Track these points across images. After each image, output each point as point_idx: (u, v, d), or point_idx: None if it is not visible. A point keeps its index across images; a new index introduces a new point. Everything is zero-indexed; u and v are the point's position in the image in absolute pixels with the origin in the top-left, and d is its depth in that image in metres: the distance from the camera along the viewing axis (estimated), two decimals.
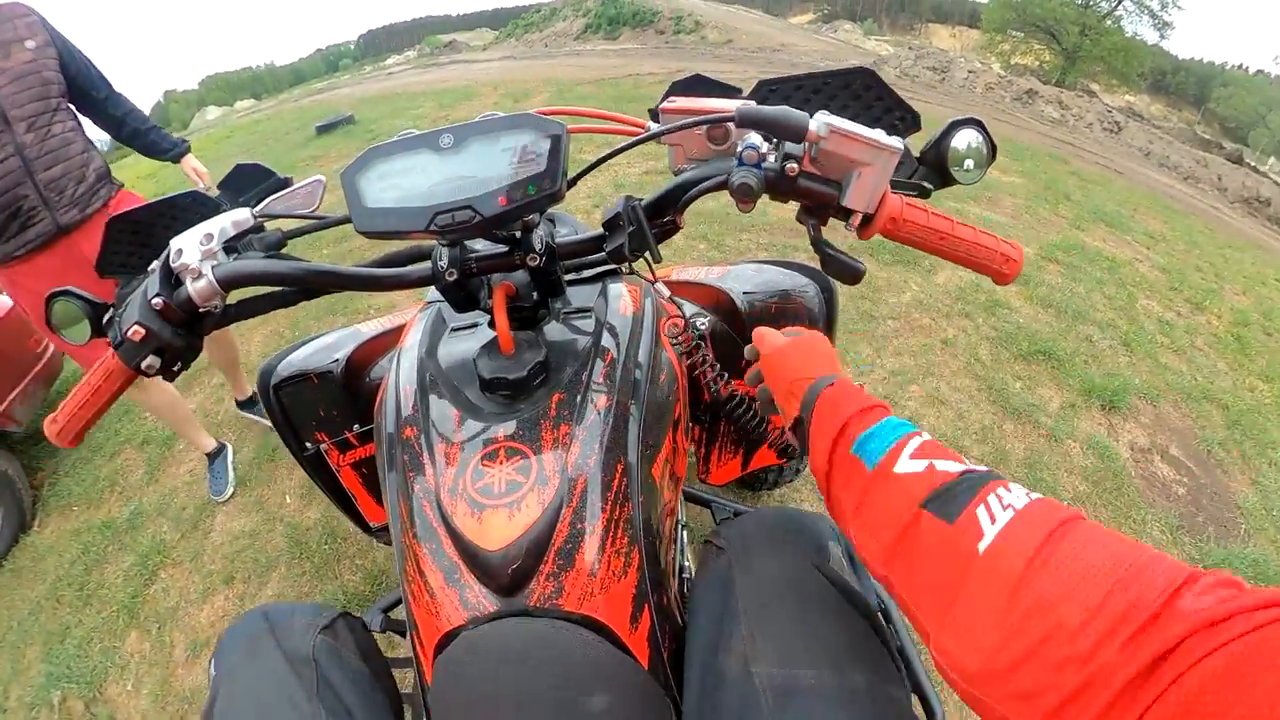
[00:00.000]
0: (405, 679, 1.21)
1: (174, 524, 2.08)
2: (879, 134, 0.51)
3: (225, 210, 0.67)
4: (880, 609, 0.61)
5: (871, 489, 0.46)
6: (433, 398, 0.68)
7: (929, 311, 2.62)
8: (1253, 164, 13.36)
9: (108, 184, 1.74)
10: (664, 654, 0.59)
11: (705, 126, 0.59)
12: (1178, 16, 24.66)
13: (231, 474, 2.16)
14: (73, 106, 1.69)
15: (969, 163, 0.55)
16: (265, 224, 0.68)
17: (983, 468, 0.43)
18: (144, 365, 0.59)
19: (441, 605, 0.55)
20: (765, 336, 0.67)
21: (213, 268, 0.60)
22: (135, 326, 0.58)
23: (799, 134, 0.51)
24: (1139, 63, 24.52)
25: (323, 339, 1.11)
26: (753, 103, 0.59)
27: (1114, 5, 24.73)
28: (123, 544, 2.07)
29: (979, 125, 0.54)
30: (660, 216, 0.62)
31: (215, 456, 2.18)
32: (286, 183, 0.72)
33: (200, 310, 0.60)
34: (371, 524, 1.20)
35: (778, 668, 0.52)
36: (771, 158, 0.54)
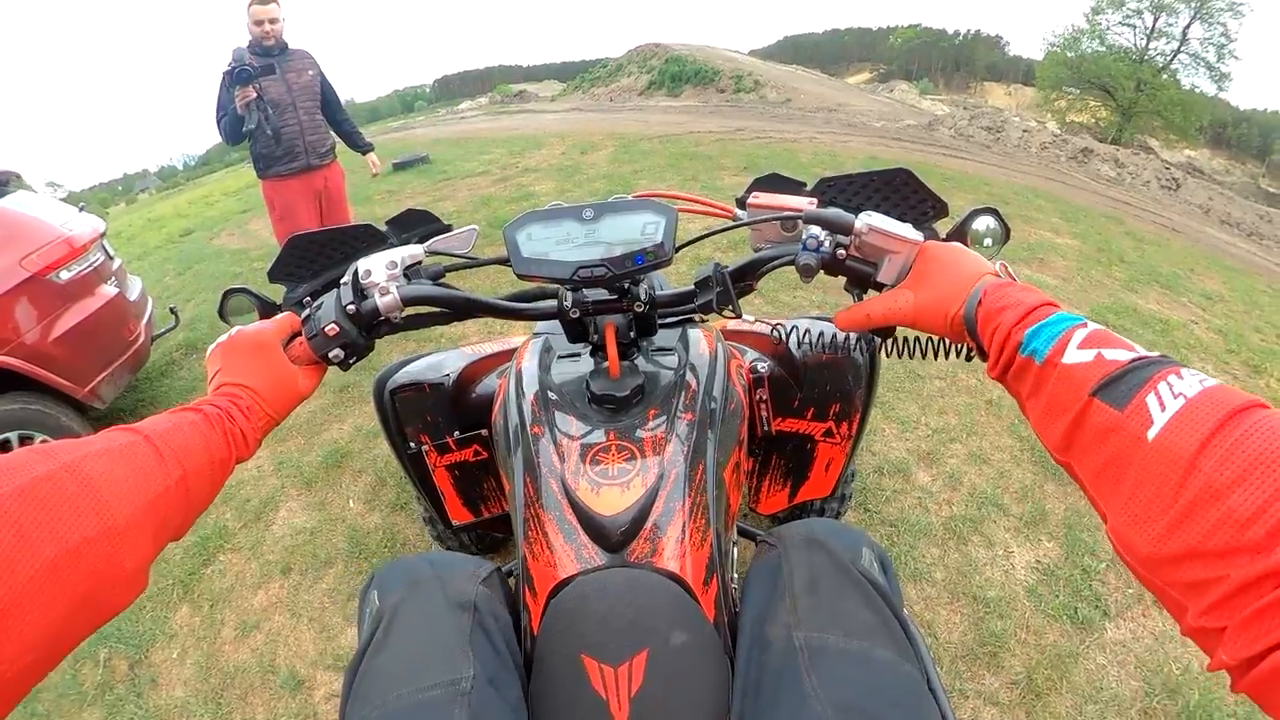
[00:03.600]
0: None
1: (237, 513, 2.21)
2: (906, 229, 0.64)
3: (392, 243, 0.82)
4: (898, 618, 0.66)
5: (1042, 381, 0.47)
6: (554, 405, 0.83)
7: (975, 372, 2.62)
8: None
9: (332, 154, 3.38)
10: (725, 618, 0.71)
11: (780, 220, 0.74)
12: (1236, 67, 23.66)
13: None
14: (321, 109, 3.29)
15: (987, 240, 0.65)
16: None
17: (1155, 354, 0.42)
18: (331, 355, 0.71)
19: (559, 559, 0.68)
20: (863, 313, 0.65)
21: (397, 287, 0.73)
22: (332, 324, 0.69)
23: (847, 230, 0.66)
24: (1197, 116, 23.54)
25: (434, 356, 1.28)
26: (815, 203, 0.73)
27: (1169, 59, 23.99)
28: None
29: (995, 213, 0.65)
30: (740, 280, 0.77)
31: None
32: (447, 228, 0.87)
33: (380, 319, 0.73)
34: (454, 522, 1.33)
35: (814, 632, 0.60)
36: (827, 244, 0.68)
